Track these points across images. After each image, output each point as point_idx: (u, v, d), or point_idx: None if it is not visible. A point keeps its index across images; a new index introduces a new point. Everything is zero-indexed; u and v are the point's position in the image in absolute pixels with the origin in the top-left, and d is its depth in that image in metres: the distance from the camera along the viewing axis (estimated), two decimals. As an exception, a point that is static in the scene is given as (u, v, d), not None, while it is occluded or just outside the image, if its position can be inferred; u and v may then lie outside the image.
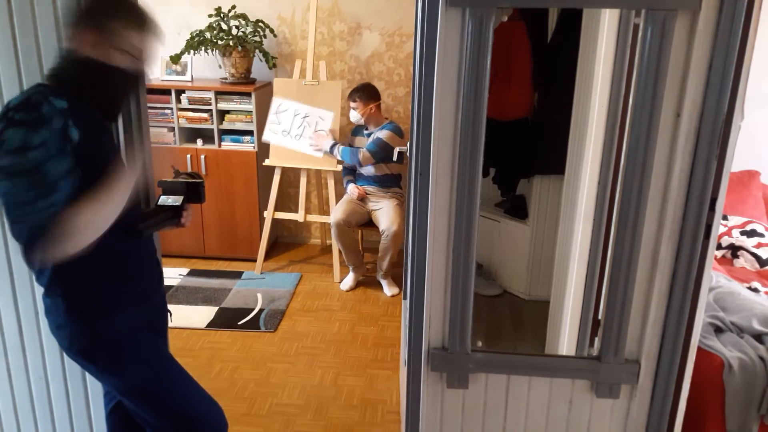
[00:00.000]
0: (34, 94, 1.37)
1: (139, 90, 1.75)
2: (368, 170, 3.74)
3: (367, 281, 3.92)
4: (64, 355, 1.88)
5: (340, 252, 3.82)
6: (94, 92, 1.46)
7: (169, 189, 1.71)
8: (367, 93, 3.64)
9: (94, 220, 1.37)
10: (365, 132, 3.76)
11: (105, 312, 1.53)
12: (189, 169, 3.94)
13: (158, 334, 1.71)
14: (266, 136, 3.84)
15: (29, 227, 1.34)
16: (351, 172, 3.87)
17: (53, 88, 1.41)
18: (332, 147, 3.70)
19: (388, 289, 3.76)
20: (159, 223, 1.66)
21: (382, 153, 3.60)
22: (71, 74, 1.44)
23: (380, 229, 3.63)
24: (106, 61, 1.44)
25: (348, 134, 3.94)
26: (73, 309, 1.51)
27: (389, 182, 3.77)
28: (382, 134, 3.62)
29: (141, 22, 1.49)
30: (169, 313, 1.76)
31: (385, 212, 3.66)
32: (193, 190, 1.72)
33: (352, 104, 3.66)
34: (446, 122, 1.35)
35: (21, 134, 1.31)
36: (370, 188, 3.79)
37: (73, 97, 1.41)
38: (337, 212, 3.67)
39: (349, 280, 3.82)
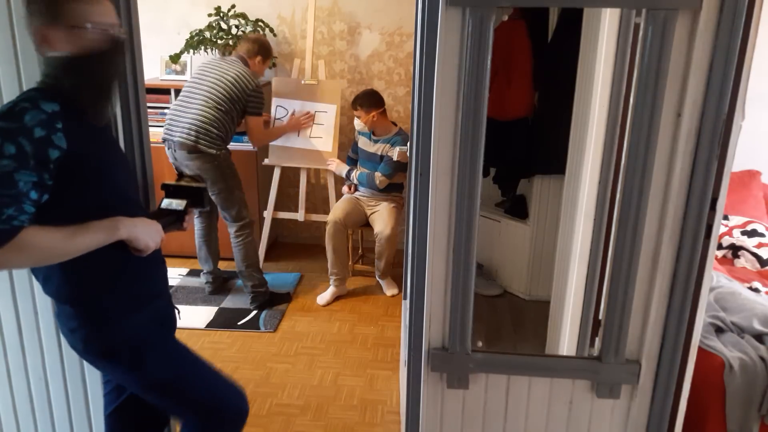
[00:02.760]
0: (22, 100, 1.33)
1: (124, 67, 1.70)
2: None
3: (367, 281, 3.92)
4: (64, 355, 1.88)
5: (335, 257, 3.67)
6: (85, 89, 1.41)
7: (172, 192, 1.71)
8: (368, 101, 3.57)
9: (47, 250, 1.34)
10: (373, 138, 3.68)
11: (116, 316, 1.52)
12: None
13: (170, 331, 1.72)
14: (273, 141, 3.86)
15: None
16: (353, 163, 3.85)
17: (45, 92, 1.38)
18: (348, 173, 3.71)
19: (388, 289, 3.75)
20: (163, 227, 1.65)
21: (396, 173, 3.62)
22: (59, 76, 1.40)
23: (374, 232, 3.63)
24: (84, 51, 1.38)
25: (347, 132, 3.93)
26: (84, 314, 1.50)
27: (389, 188, 3.72)
28: (395, 154, 3.57)
29: None
30: (177, 311, 1.76)
31: (380, 215, 3.65)
32: (196, 195, 1.71)
33: (355, 112, 3.62)
34: (446, 122, 1.35)
35: None
36: (368, 192, 3.75)
37: (65, 99, 1.38)
38: (336, 211, 3.65)
39: (327, 294, 3.66)
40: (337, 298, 3.67)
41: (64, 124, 1.34)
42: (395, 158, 3.57)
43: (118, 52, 1.47)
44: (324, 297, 3.65)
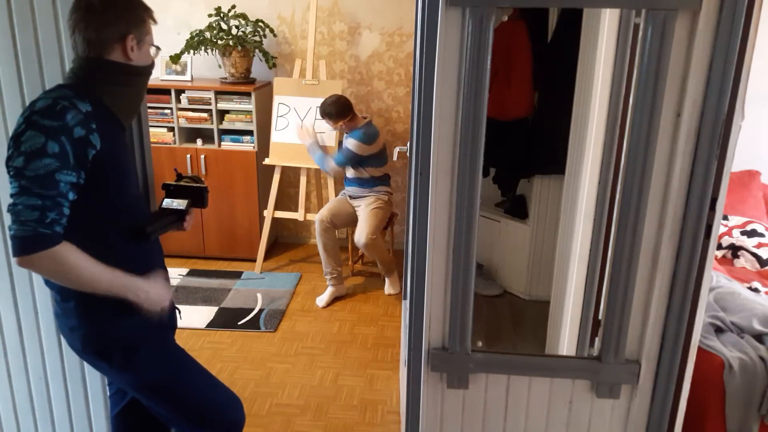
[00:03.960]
0: (59, 98, 1.35)
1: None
2: (349, 173, 3.70)
3: (367, 281, 3.92)
4: (64, 355, 1.88)
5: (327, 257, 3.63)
6: (118, 95, 1.47)
7: (173, 192, 1.71)
8: (335, 113, 3.52)
9: (78, 277, 1.39)
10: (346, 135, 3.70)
11: (117, 315, 1.53)
12: (189, 172, 3.94)
13: (169, 331, 1.72)
14: (275, 138, 3.86)
15: (33, 233, 1.30)
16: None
17: (77, 90, 1.40)
18: (310, 146, 3.71)
19: (391, 287, 3.75)
20: (165, 226, 1.66)
21: (350, 162, 3.60)
22: (95, 77, 1.44)
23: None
24: (140, 63, 1.48)
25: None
26: (86, 312, 1.51)
27: (371, 183, 3.69)
28: (349, 143, 3.55)
29: (150, 10, 1.52)
30: (177, 311, 1.76)
31: (360, 219, 3.61)
32: (197, 195, 1.72)
33: (324, 119, 3.60)
34: (446, 122, 1.35)
35: (40, 139, 1.29)
36: (352, 189, 3.74)
37: (95, 100, 1.41)
38: (323, 210, 3.65)
39: (326, 295, 3.64)
40: (336, 299, 3.67)
41: (97, 124, 1.38)
42: (359, 152, 3.54)
43: (151, 71, 1.59)
44: (322, 299, 3.63)
